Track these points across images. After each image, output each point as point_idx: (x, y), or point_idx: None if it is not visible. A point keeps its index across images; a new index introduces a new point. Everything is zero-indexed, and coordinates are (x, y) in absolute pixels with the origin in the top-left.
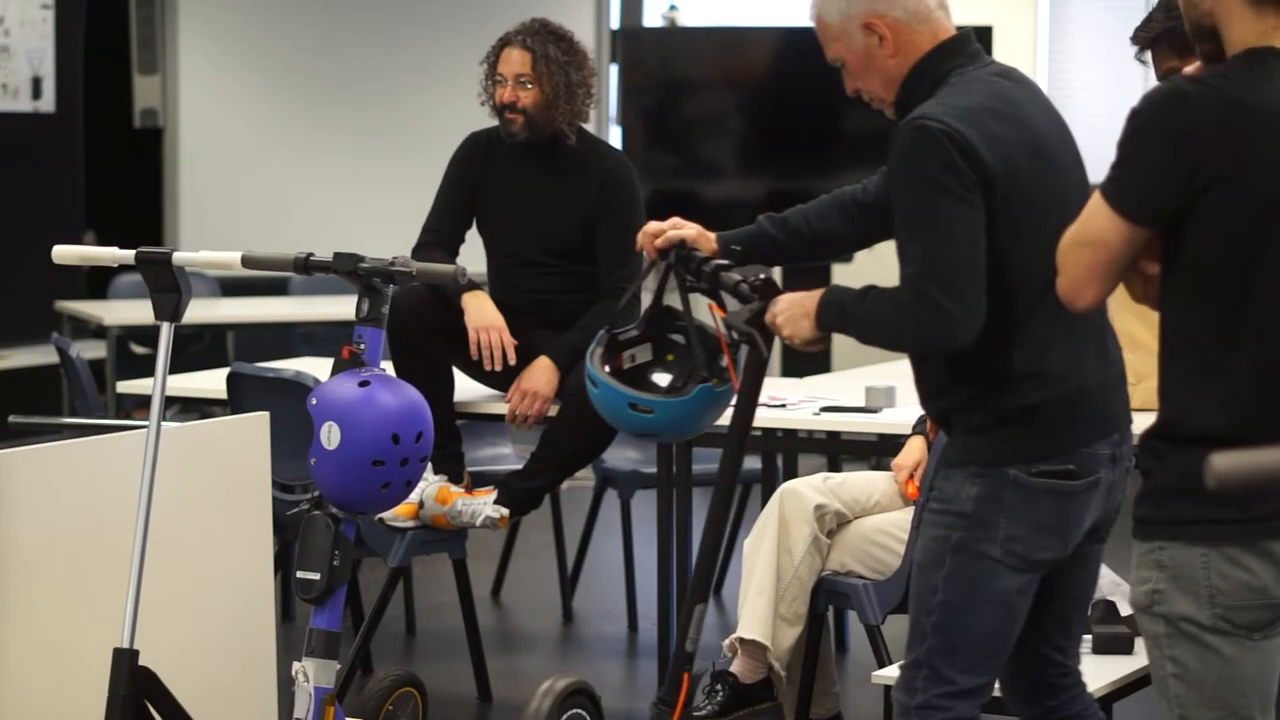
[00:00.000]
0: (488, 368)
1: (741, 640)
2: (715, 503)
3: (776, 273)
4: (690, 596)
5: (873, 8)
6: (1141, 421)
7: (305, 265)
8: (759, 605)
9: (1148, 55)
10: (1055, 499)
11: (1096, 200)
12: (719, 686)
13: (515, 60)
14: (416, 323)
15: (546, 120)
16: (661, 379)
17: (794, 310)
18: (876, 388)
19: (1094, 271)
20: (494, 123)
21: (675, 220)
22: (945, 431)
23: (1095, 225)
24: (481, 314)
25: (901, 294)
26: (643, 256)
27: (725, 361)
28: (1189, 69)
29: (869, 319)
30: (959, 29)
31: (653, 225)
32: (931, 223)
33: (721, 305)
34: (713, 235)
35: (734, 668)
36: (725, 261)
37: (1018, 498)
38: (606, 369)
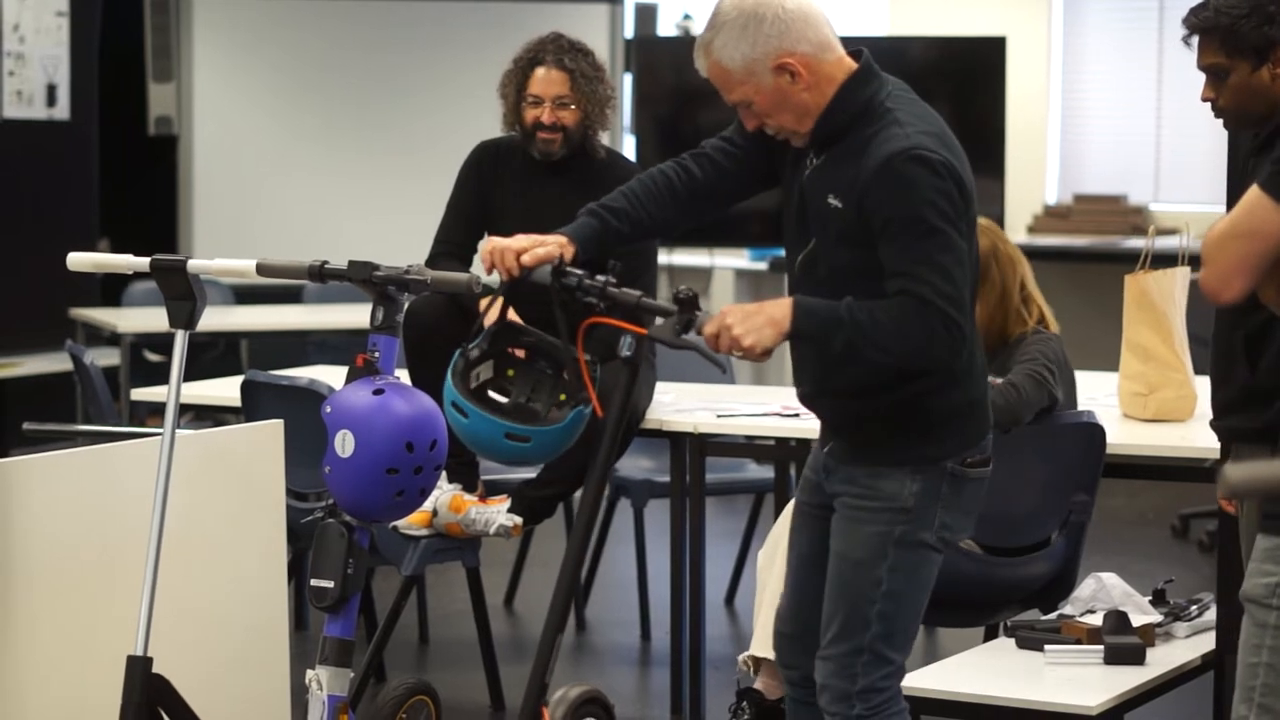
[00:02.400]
0: None
1: (754, 658)
2: (577, 528)
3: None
4: (548, 626)
5: (781, 46)
6: (1150, 433)
7: (320, 273)
8: (770, 621)
9: (1194, 40)
10: (976, 485)
11: (1256, 195)
12: (744, 705)
13: (555, 81)
14: (433, 332)
15: (582, 136)
16: (502, 397)
17: (755, 319)
18: None
19: (1246, 262)
20: (504, 133)
21: (536, 237)
22: (861, 430)
23: (1256, 217)
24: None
25: (910, 309)
26: (654, 266)
27: (585, 382)
28: None
29: (867, 329)
30: (852, 49)
31: (508, 242)
32: (941, 246)
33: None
34: (564, 239)
35: (758, 685)
36: (609, 277)
37: (951, 488)
38: (471, 398)
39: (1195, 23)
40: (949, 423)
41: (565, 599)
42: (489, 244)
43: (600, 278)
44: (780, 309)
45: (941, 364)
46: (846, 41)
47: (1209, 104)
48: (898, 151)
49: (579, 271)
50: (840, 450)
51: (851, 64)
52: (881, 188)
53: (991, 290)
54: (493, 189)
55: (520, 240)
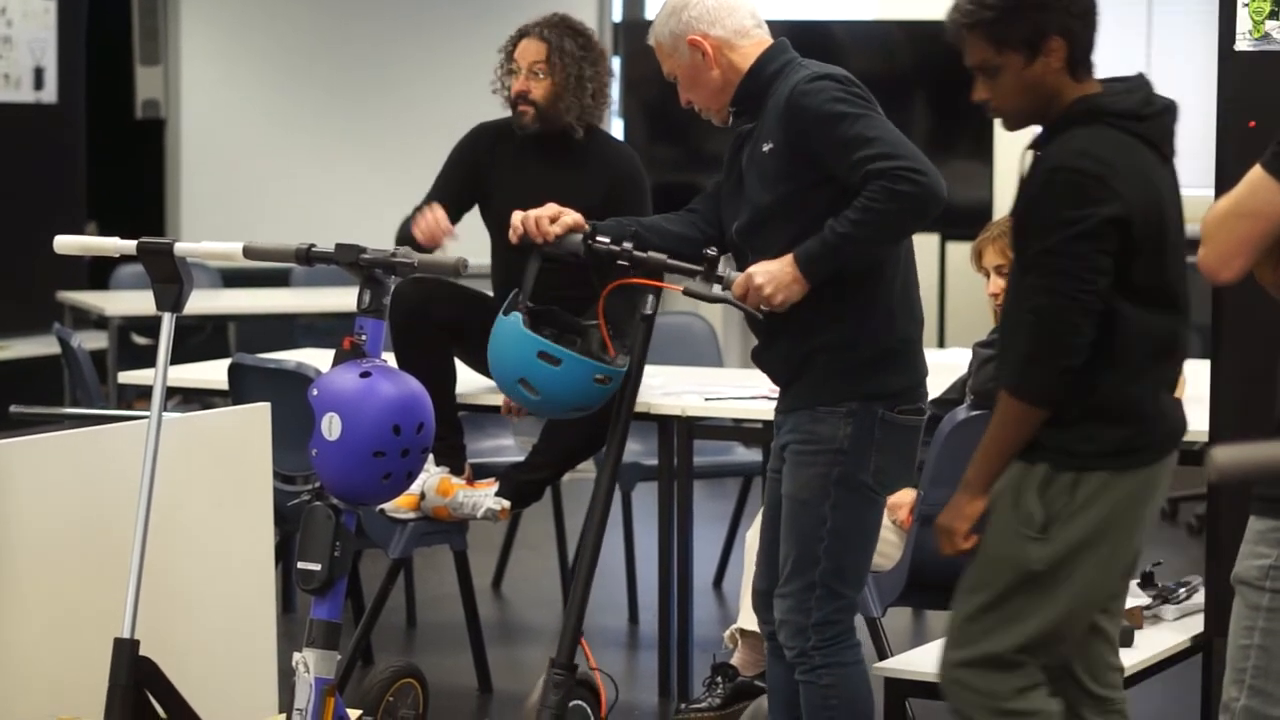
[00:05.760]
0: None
1: (741, 632)
2: (602, 479)
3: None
4: (583, 567)
5: (695, 28)
6: None
7: (307, 256)
8: None
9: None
10: (910, 433)
11: (1259, 175)
12: (719, 679)
13: (531, 50)
14: (420, 315)
15: (556, 112)
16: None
17: (780, 277)
18: None
19: (1247, 243)
20: (502, 114)
21: (559, 207)
22: (803, 375)
23: (1258, 198)
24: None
25: (875, 188)
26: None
27: (608, 348)
28: None
29: (857, 232)
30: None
31: (537, 211)
32: (866, 126)
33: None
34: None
35: (734, 660)
36: (631, 245)
37: (884, 434)
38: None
39: (960, 19)
40: (881, 360)
41: (597, 537)
42: (518, 215)
43: (627, 244)
44: (790, 265)
45: (932, 209)
46: (836, 25)
47: (983, 105)
48: (797, 82)
49: (607, 239)
50: (786, 400)
51: (770, 45)
52: (794, 116)
53: None
54: (488, 169)
55: (549, 209)
